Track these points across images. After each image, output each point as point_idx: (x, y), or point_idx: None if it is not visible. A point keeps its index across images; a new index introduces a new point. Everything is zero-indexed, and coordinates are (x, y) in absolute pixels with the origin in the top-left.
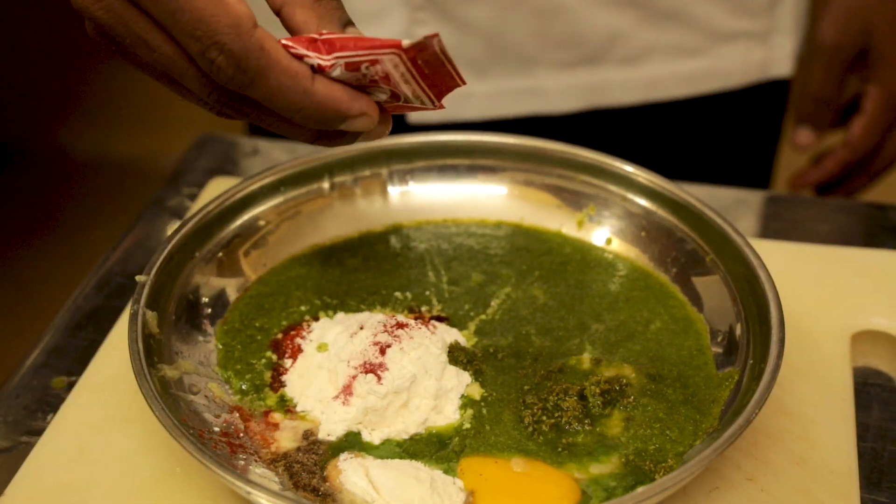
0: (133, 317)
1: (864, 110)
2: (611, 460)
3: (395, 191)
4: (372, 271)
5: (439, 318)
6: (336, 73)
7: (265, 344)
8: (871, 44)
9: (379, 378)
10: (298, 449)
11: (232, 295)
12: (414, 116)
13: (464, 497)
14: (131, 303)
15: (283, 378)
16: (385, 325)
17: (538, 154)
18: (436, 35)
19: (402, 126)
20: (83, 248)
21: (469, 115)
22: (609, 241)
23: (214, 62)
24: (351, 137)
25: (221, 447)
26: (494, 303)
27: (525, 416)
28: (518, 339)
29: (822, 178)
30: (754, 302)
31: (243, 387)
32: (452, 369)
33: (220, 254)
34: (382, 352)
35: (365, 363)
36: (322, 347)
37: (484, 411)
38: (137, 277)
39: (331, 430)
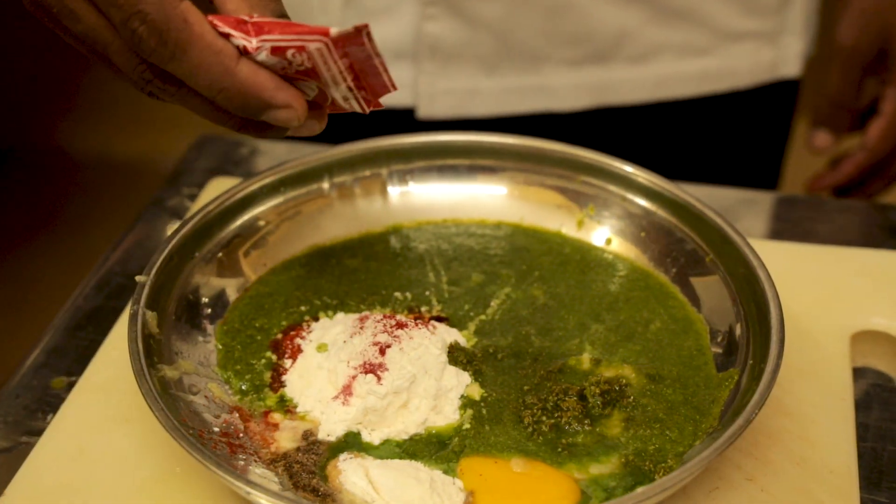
0: (133, 317)
1: (882, 113)
2: (611, 460)
3: (395, 191)
4: (372, 271)
5: (439, 319)
6: (261, 56)
7: (265, 344)
8: (890, 46)
9: (379, 378)
10: (298, 449)
11: (232, 295)
12: (423, 110)
13: (464, 497)
14: (131, 303)
15: (283, 378)
16: (385, 325)
17: (538, 154)
18: (365, 25)
19: (402, 125)
20: (83, 248)
21: (478, 112)
22: (609, 242)
23: (136, 32)
24: (280, 129)
25: (221, 447)
26: (494, 303)
27: (525, 416)
28: (518, 339)
29: (840, 181)
30: (754, 302)
31: (243, 387)
32: (452, 369)
33: (220, 254)
34: (382, 352)
35: (365, 363)
36: (322, 348)
37: (484, 411)
38: (137, 277)
39: (331, 430)
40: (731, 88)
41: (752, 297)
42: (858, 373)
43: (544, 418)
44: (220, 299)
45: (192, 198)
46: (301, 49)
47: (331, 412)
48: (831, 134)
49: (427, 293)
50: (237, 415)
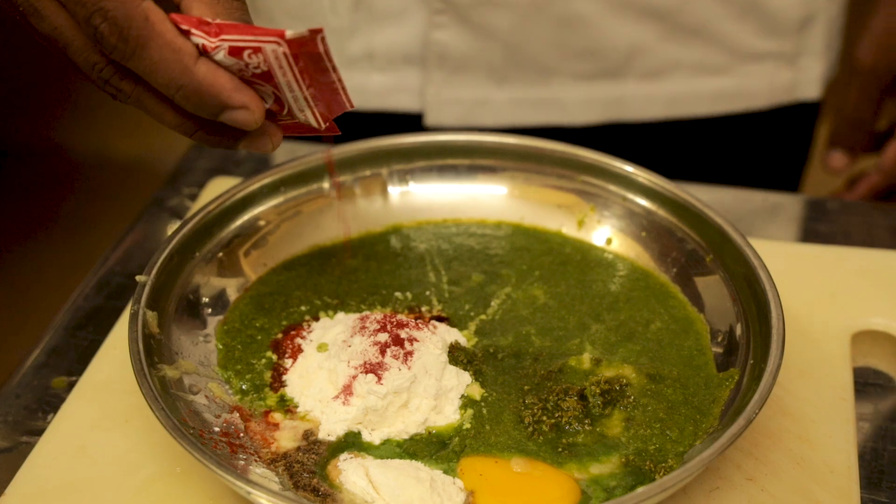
0: (133, 317)
1: None
2: (611, 460)
3: (395, 191)
4: (372, 271)
5: (439, 318)
6: (219, 56)
7: (265, 344)
8: None
9: (379, 378)
10: (298, 449)
11: (232, 295)
12: (431, 118)
13: (464, 497)
14: (131, 303)
15: (284, 378)
16: (385, 325)
17: (538, 154)
18: (319, 30)
19: (405, 126)
20: (83, 248)
21: (486, 122)
22: (609, 241)
23: (98, 28)
24: (232, 140)
25: (221, 447)
26: (494, 303)
27: (525, 416)
28: (518, 339)
29: (854, 200)
30: (754, 302)
31: (243, 387)
32: (452, 369)
33: (221, 254)
34: (382, 352)
35: (365, 363)
36: (322, 347)
37: (484, 411)
38: (137, 277)
39: (331, 430)
40: (747, 109)
41: (753, 297)
42: (858, 373)
43: (545, 418)
44: (220, 299)
45: (192, 198)
46: (257, 50)
47: (331, 412)
48: (847, 155)
49: (427, 293)
50: (237, 414)
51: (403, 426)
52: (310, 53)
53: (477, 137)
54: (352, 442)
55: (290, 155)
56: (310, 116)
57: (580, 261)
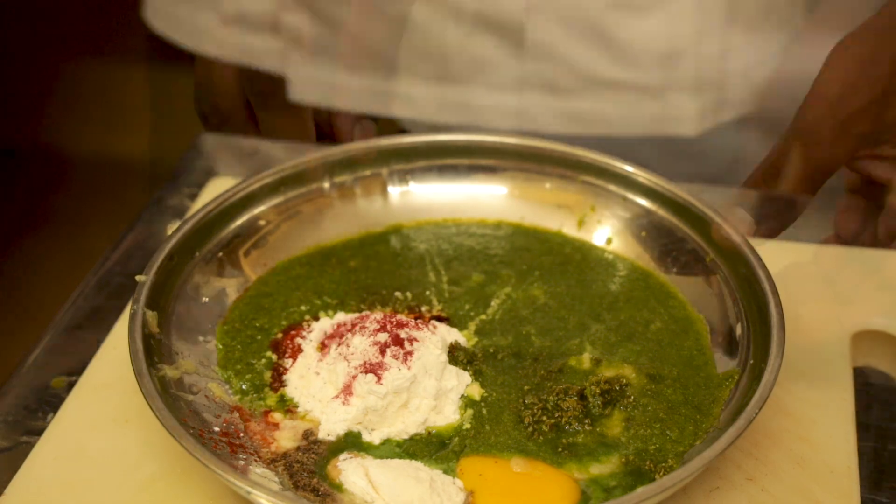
0: (133, 316)
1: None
2: (611, 460)
3: (395, 191)
4: (372, 271)
5: (439, 318)
6: None
7: (265, 344)
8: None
9: (379, 378)
10: (298, 449)
11: (232, 295)
12: (295, 94)
13: (463, 497)
14: (131, 302)
15: (284, 378)
16: (385, 325)
17: (538, 154)
18: None
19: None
20: (83, 248)
21: (345, 107)
22: (609, 241)
23: None
24: None
25: (221, 447)
26: (494, 303)
27: (525, 416)
28: (518, 339)
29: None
30: (754, 302)
31: (243, 387)
32: (452, 369)
33: (221, 254)
34: (382, 351)
35: (365, 363)
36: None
37: (484, 411)
38: (137, 277)
39: (331, 430)
40: (608, 135)
41: (753, 297)
42: (858, 373)
43: (544, 418)
44: (220, 299)
45: (192, 198)
46: None
47: (331, 412)
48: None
49: (427, 293)
50: (237, 414)
51: (403, 426)
52: None
53: (477, 137)
54: (352, 442)
55: (290, 155)
56: None
57: (580, 261)
